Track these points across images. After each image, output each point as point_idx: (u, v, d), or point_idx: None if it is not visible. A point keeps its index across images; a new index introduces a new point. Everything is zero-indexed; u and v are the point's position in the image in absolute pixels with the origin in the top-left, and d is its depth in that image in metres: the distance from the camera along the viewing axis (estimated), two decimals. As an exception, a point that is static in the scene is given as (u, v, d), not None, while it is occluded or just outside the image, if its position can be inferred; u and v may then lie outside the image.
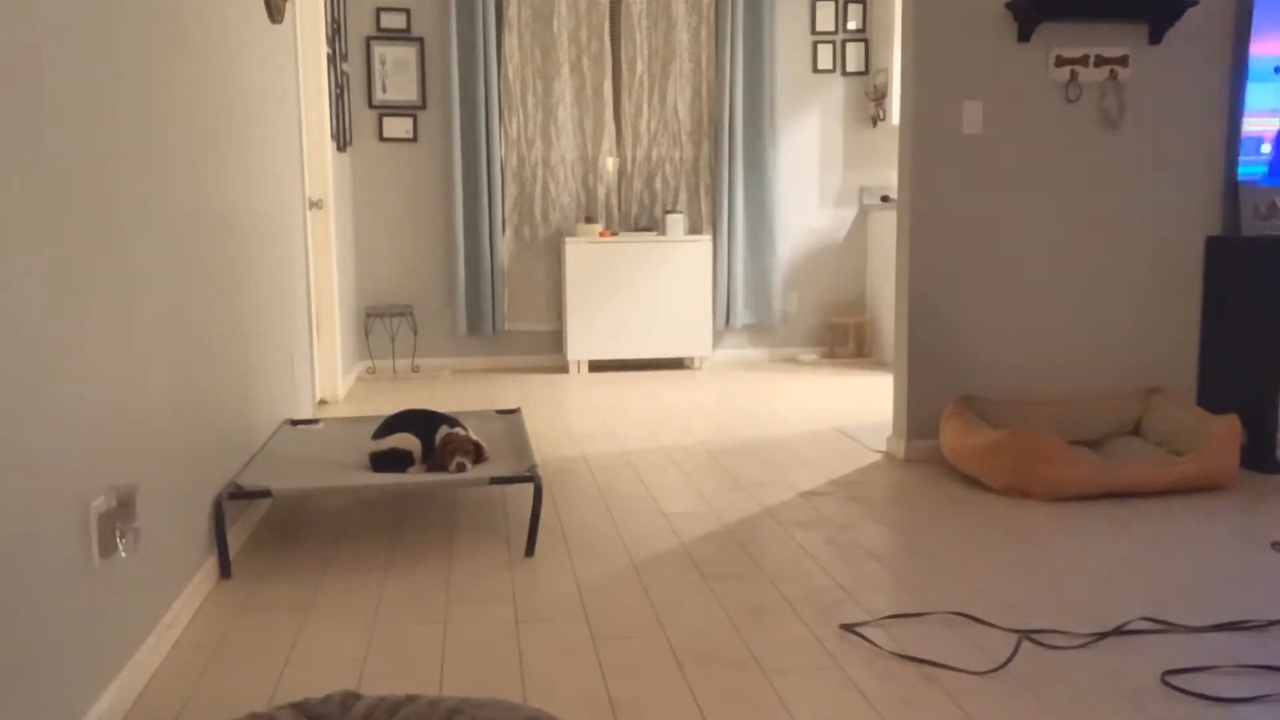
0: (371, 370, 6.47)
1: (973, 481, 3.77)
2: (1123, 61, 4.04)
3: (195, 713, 2.09)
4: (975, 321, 4.08)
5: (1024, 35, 3.97)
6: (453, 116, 6.32)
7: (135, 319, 2.26)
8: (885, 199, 6.79)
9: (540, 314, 6.67)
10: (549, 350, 6.71)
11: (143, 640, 2.25)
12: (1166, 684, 2.16)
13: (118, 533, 2.06)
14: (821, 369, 6.49)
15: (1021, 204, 4.06)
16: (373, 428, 3.56)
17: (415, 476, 3.11)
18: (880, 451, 4.26)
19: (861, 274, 6.96)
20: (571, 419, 4.98)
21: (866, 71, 6.82)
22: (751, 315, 6.81)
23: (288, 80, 4.30)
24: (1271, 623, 2.47)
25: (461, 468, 3.15)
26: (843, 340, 6.94)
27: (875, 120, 6.81)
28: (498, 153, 6.44)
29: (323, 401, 5.40)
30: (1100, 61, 4.03)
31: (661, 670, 2.26)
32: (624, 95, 6.61)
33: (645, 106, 6.63)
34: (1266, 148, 3.61)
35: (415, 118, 6.39)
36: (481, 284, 6.48)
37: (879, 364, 6.62)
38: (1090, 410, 4.02)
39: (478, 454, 3.27)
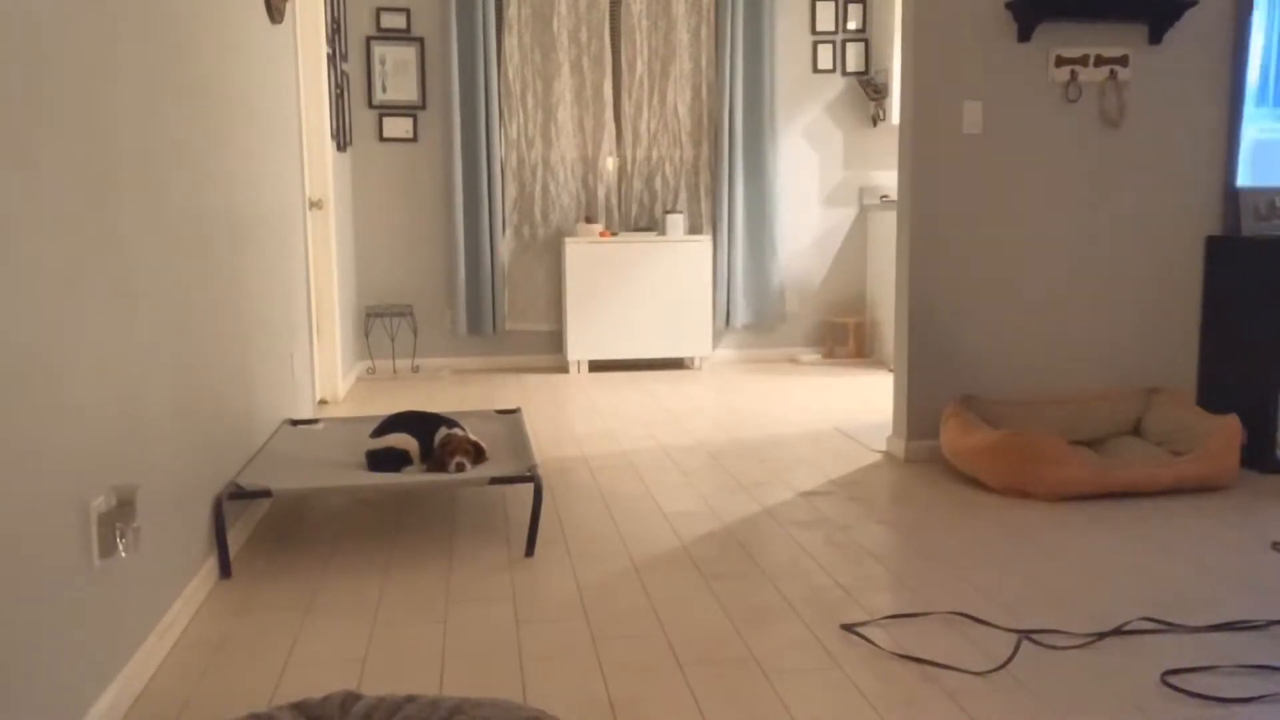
0: (371, 370, 6.47)
1: (973, 481, 3.77)
2: (1123, 61, 4.04)
3: (195, 713, 2.09)
4: (975, 321, 4.08)
5: (1024, 35, 3.97)
6: (453, 116, 6.32)
7: (135, 319, 2.26)
8: (885, 199, 6.79)
9: (540, 314, 6.67)
10: (549, 350, 6.71)
11: (143, 640, 2.25)
12: (1166, 684, 2.16)
13: (118, 533, 2.06)
14: (821, 369, 6.49)
15: (1021, 204, 4.06)
16: (372, 428, 3.56)
17: (415, 476, 3.11)
18: (880, 451, 4.26)
19: (861, 274, 6.96)
20: (571, 419, 4.98)
21: (866, 71, 6.82)
22: (751, 315, 6.81)
23: (288, 80, 4.30)
24: (1271, 623, 2.47)
25: (461, 468, 3.15)
26: (843, 340, 6.94)
27: (875, 120, 6.81)
28: (498, 153, 6.44)
29: (323, 401, 5.40)
30: (1100, 61, 4.03)
31: (661, 670, 2.25)
32: (624, 95, 6.61)
33: (645, 106, 6.63)
34: None
35: (415, 118, 6.39)
36: (481, 284, 6.48)
37: (879, 364, 6.62)
38: (1090, 410, 4.02)
39: (477, 454, 3.27)
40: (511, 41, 6.44)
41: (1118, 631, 2.42)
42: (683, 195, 6.71)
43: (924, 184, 4.00)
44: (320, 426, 3.88)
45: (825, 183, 6.87)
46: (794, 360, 6.86)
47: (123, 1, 2.24)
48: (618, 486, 3.77)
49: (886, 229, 6.57)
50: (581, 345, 6.34)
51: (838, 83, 6.81)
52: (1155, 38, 4.04)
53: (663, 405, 5.31)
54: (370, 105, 6.34)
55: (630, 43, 6.57)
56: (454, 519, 3.39)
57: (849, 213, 6.91)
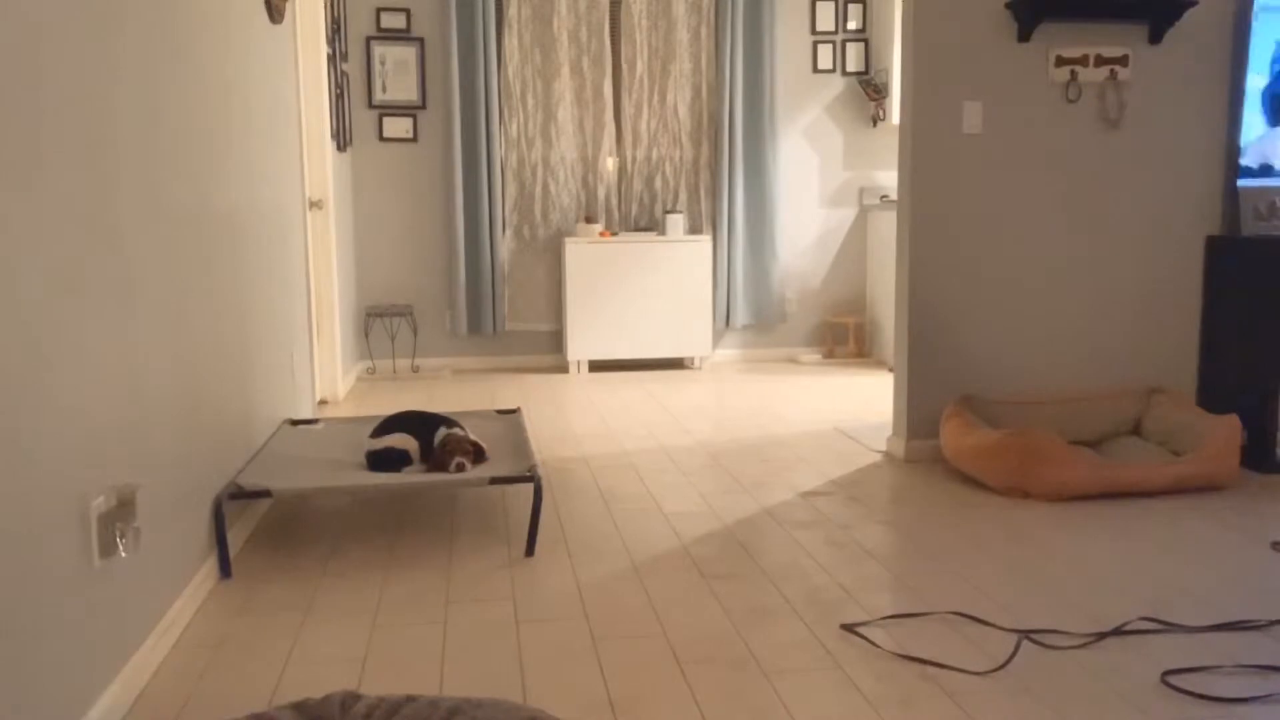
0: (371, 370, 6.47)
1: (973, 481, 3.77)
2: (1123, 61, 4.04)
3: (195, 713, 2.09)
4: (975, 321, 4.08)
5: (1024, 35, 3.97)
6: (453, 116, 6.32)
7: (135, 319, 2.26)
8: (885, 199, 6.79)
9: (540, 314, 6.67)
10: (549, 350, 6.71)
11: (143, 640, 2.25)
12: (1166, 684, 2.16)
13: (118, 533, 2.06)
14: (821, 369, 6.49)
15: (1021, 204, 4.06)
16: (372, 428, 3.56)
17: (415, 476, 3.11)
18: (880, 451, 4.26)
19: (861, 274, 6.96)
20: (571, 419, 4.98)
21: (866, 71, 6.82)
22: (751, 315, 6.81)
23: (288, 80, 4.30)
24: (1271, 623, 2.47)
25: (461, 468, 3.15)
26: (843, 340, 6.94)
27: (875, 120, 6.81)
28: (498, 153, 6.44)
29: (323, 401, 5.40)
30: (1100, 61, 4.03)
31: (661, 670, 2.25)
32: (624, 95, 6.61)
33: (645, 106, 6.63)
34: None
35: (415, 118, 6.39)
36: (481, 284, 6.48)
37: (879, 364, 6.62)
38: (1090, 410, 4.02)
39: (478, 454, 3.27)
40: (511, 41, 6.44)
41: (1118, 631, 2.42)
42: (683, 195, 6.71)
43: (924, 184, 4.00)
44: (320, 426, 3.88)
45: (825, 183, 6.87)
46: (794, 360, 6.86)
47: (123, 2, 2.24)
48: (618, 486, 3.77)
49: (886, 229, 6.57)
50: (581, 345, 6.34)
51: (838, 83, 6.81)
52: (1155, 38, 4.04)
53: (663, 405, 5.31)
54: (370, 105, 6.34)
55: (630, 43, 6.57)
56: (454, 519, 3.39)
57: (849, 213, 6.91)
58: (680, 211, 6.49)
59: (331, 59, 5.37)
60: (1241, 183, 4.08)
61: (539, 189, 6.57)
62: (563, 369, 6.55)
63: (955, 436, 3.74)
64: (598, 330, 6.34)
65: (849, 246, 6.93)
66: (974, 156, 4.02)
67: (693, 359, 6.54)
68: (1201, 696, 2.10)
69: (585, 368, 6.42)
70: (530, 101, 6.51)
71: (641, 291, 6.34)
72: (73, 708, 1.87)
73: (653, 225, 6.63)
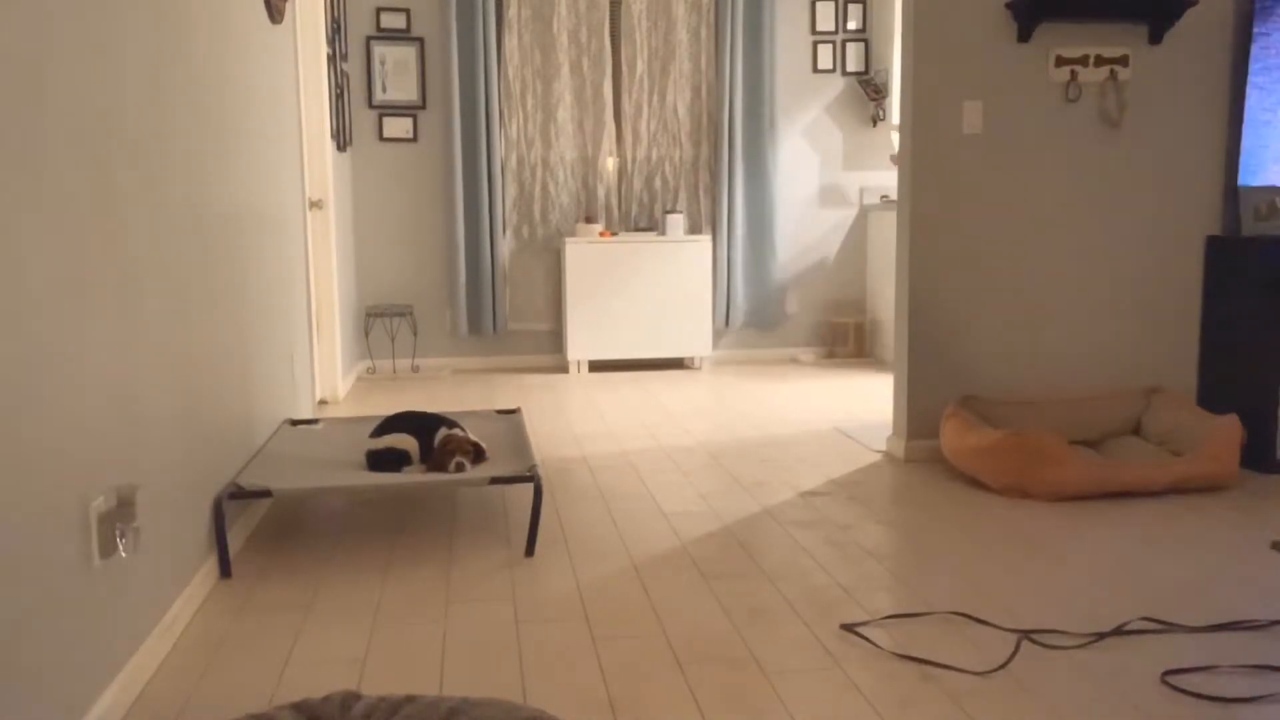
0: (371, 370, 6.47)
1: (973, 481, 3.77)
2: (1123, 61, 4.04)
3: (195, 713, 2.09)
4: (975, 321, 4.08)
5: (1024, 35, 3.97)
6: (453, 116, 6.32)
7: (135, 319, 2.26)
8: (885, 199, 6.79)
9: (540, 314, 6.67)
10: (549, 350, 6.71)
11: (143, 640, 2.25)
12: (1166, 684, 2.16)
13: (118, 533, 2.06)
14: (821, 369, 6.49)
15: (1021, 204, 4.06)
16: (372, 428, 3.56)
17: (415, 476, 3.11)
18: (880, 451, 4.26)
19: (861, 274, 6.96)
20: (571, 419, 4.98)
21: (866, 71, 6.82)
22: (751, 315, 6.81)
23: (288, 80, 4.30)
24: (1271, 623, 2.47)
25: (461, 468, 3.15)
26: (843, 340, 6.94)
27: (875, 120, 6.81)
28: (498, 153, 6.44)
29: (323, 401, 5.40)
30: (1100, 61, 4.03)
31: (661, 670, 2.25)
32: (624, 95, 6.61)
33: (645, 106, 6.63)
34: None
35: (415, 118, 6.39)
36: (481, 284, 6.48)
37: (879, 364, 6.62)
38: (1090, 410, 4.02)
39: (477, 454, 3.27)
40: (511, 41, 6.43)
41: (1118, 631, 2.42)
42: (682, 195, 6.71)
43: (924, 184, 4.00)
44: (320, 426, 3.88)
45: (825, 183, 6.87)
46: (794, 360, 6.86)
47: (123, 2, 2.24)
48: (618, 486, 3.77)
49: (886, 229, 6.58)
50: (581, 345, 6.34)
51: (838, 83, 6.81)
52: (1155, 38, 4.04)
53: (663, 405, 5.31)
54: (370, 105, 6.34)
55: (630, 43, 6.57)
56: (454, 519, 3.39)
57: (849, 213, 6.92)
58: (680, 211, 6.49)
59: (331, 59, 5.37)
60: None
61: (539, 189, 6.58)
62: (563, 369, 6.55)
63: (955, 436, 3.74)
64: (598, 330, 6.34)
65: (849, 246, 6.93)
66: (974, 156, 4.02)
67: (692, 359, 6.54)
68: (1201, 696, 2.10)
69: (585, 368, 6.42)
70: (530, 102, 6.51)
71: (641, 291, 6.35)
72: (73, 708, 1.87)
73: (652, 225, 6.63)
